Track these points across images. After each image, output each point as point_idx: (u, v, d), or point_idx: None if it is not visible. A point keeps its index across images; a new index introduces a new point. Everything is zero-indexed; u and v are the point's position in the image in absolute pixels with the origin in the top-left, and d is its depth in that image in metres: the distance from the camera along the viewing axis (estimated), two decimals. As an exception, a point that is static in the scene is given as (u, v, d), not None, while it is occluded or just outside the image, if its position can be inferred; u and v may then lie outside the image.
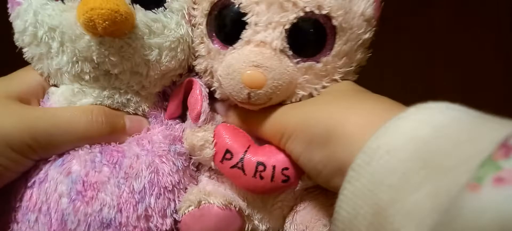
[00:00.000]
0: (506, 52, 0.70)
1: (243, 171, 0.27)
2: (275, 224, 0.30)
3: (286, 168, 0.27)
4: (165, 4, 0.27)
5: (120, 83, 0.28)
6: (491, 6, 0.68)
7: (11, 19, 0.27)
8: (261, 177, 0.27)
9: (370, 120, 0.21)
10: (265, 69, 0.25)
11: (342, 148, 0.22)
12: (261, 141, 0.28)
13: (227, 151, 0.28)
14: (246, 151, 0.27)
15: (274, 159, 0.27)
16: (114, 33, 0.24)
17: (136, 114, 0.30)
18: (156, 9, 0.27)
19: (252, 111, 0.28)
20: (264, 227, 0.30)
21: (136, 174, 0.26)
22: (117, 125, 0.28)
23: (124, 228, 0.25)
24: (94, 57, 0.25)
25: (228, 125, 0.29)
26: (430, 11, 0.69)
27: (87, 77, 0.27)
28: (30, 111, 0.26)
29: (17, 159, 0.25)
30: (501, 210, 0.13)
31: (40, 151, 0.25)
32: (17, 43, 0.28)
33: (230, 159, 0.27)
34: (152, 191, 0.26)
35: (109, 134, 0.27)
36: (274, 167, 0.27)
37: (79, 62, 0.26)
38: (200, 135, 0.28)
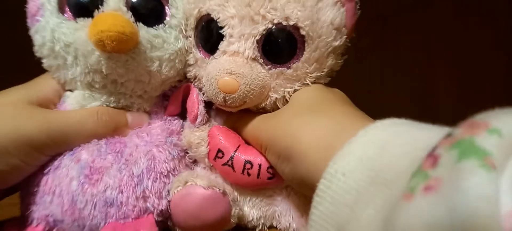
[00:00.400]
0: (506, 51, 0.71)
1: (233, 168, 0.30)
2: (267, 210, 0.32)
3: (271, 166, 0.29)
4: (165, 21, 0.31)
5: (125, 89, 0.31)
6: (490, 6, 0.69)
7: (31, 33, 0.31)
8: (249, 174, 0.30)
9: (320, 140, 0.23)
10: (237, 76, 0.28)
11: (300, 165, 0.24)
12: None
13: (219, 150, 0.31)
14: (236, 150, 0.30)
15: (261, 158, 0.30)
16: (120, 50, 0.28)
17: None
18: (157, 26, 0.30)
19: (238, 121, 0.31)
20: (256, 214, 0.32)
21: (135, 161, 0.29)
22: (120, 122, 0.31)
23: (124, 207, 0.29)
24: (103, 70, 0.29)
25: (222, 127, 0.32)
26: (430, 11, 0.69)
27: (97, 85, 0.30)
28: (47, 114, 0.29)
29: (36, 156, 0.28)
30: (429, 215, 0.14)
31: (55, 148, 0.29)
32: (37, 54, 0.31)
33: (221, 157, 0.31)
34: (150, 176, 0.29)
35: (113, 130, 0.31)
36: (260, 165, 0.30)
37: (91, 73, 0.30)
38: (197, 134, 0.32)
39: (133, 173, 0.29)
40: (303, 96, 0.29)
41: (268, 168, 0.29)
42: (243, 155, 0.30)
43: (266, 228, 0.33)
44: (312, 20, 0.28)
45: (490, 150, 0.14)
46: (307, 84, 0.30)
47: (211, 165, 0.32)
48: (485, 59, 0.69)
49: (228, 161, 0.30)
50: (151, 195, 0.29)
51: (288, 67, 0.29)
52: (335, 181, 0.19)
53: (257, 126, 0.30)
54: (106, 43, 0.27)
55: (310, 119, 0.25)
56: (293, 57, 0.29)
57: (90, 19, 0.28)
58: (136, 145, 0.30)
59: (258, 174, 0.30)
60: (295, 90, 0.30)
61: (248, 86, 0.28)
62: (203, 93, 0.32)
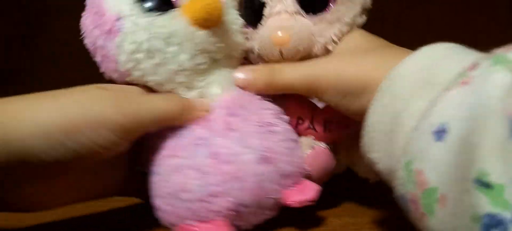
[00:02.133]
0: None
1: (315, 129, 0.37)
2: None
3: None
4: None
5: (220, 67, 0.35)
6: (491, 2, 0.71)
7: (112, 48, 0.32)
8: (330, 130, 0.37)
9: None
10: (287, 29, 0.35)
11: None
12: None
13: (299, 117, 0.37)
14: (312, 113, 0.37)
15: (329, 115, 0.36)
16: (219, 20, 0.33)
17: None
18: None
19: (284, 72, 0.35)
20: None
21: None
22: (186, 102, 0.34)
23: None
24: (210, 47, 0.33)
25: (289, 95, 0.37)
26: (429, 7, 0.71)
27: (202, 66, 0.33)
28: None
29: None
30: (458, 100, 0.21)
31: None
32: (126, 66, 0.32)
33: (302, 123, 0.37)
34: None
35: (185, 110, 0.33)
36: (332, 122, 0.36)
37: (198, 56, 0.33)
38: None
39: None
40: (354, 42, 0.36)
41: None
42: (319, 115, 0.37)
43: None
44: None
45: None
46: (346, 25, 0.36)
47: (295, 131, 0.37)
48: (485, 55, 0.72)
49: (309, 125, 0.37)
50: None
51: (326, 12, 0.36)
52: (395, 81, 0.25)
53: (311, 72, 0.34)
54: (213, 13, 0.31)
55: (379, 56, 0.32)
56: (328, 3, 0.36)
57: (177, 8, 0.32)
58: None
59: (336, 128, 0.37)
60: (340, 31, 0.36)
61: (297, 36, 0.35)
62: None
